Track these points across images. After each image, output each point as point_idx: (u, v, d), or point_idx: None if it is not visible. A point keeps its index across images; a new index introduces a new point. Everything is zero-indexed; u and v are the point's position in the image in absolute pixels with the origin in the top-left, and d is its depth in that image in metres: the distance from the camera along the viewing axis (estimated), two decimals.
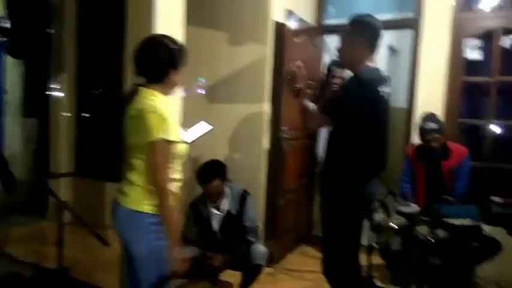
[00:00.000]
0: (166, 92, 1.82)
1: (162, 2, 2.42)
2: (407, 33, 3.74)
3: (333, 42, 4.61)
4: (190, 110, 3.73)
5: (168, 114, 1.71)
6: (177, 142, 1.76)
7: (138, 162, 1.76)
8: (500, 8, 3.32)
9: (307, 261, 3.65)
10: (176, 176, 1.86)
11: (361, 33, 2.08)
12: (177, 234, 1.76)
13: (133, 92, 1.79)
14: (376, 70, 2.11)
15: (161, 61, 1.76)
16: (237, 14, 3.46)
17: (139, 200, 1.76)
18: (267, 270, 3.33)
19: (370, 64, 2.10)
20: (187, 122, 3.62)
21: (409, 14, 3.63)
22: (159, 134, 1.66)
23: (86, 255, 3.26)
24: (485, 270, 3.08)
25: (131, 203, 1.78)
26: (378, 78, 2.05)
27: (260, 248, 2.81)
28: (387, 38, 5.73)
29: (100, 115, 4.10)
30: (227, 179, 2.84)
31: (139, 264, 1.78)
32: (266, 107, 3.42)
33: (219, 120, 3.62)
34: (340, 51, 2.19)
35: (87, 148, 4.29)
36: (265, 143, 3.45)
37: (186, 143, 2.09)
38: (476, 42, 3.42)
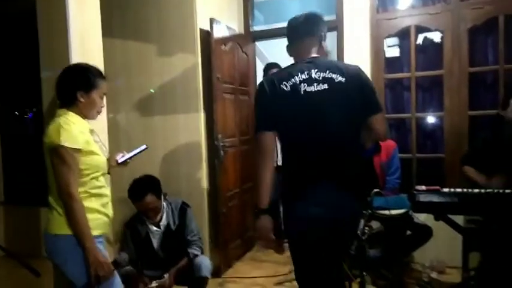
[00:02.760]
0: (83, 114, 1.84)
1: (76, 19, 2.32)
2: (334, 35, 3.87)
3: (265, 47, 4.74)
4: (124, 125, 3.66)
5: (74, 125, 1.74)
6: (89, 152, 1.76)
7: (53, 181, 1.75)
8: (413, 7, 3.54)
9: (256, 266, 3.67)
10: (101, 191, 1.85)
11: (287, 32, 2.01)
12: (90, 238, 1.73)
13: (54, 116, 1.83)
14: (291, 65, 1.94)
15: (68, 84, 1.83)
16: (165, 25, 3.42)
17: (58, 223, 1.75)
18: (215, 280, 3.31)
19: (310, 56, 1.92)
20: (123, 137, 3.57)
21: (332, 17, 3.77)
22: (60, 141, 1.68)
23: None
24: (421, 255, 3.27)
25: (52, 228, 1.78)
26: (278, 75, 1.89)
27: (204, 260, 2.77)
28: None
29: (25, 138, 3.89)
30: (162, 193, 2.77)
31: (78, 284, 1.79)
32: (202, 116, 3.41)
33: (155, 133, 3.56)
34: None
35: (16, 173, 4.05)
36: (204, 152, 3.43)
37: (117, 162, 2.07)
38: (394, 40, 3.61)
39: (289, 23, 2.01)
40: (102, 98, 1.89)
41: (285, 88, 1.81)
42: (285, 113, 1.81)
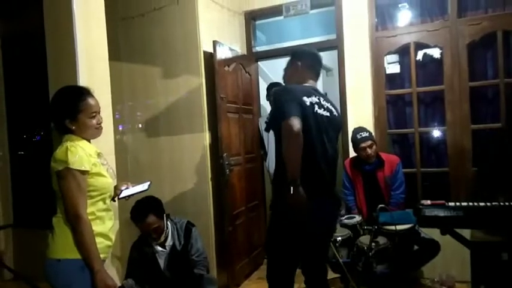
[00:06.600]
0: (82, 137, 1.81)
1: (83, 41, 2.39)
2: (335, 54, 3.93)
3: (268, 67, 4.82)
4: (130, 146, 3.72)
5: (80, 149, 1.72)
6: (96, 174, 1.75)
7: (59, 204, 1.75)
8: (411, 24, 3.61)
9: (264, 285, 3.62)
10: (107, 214, 1.83)
11: (296, 58, 2.34)
12: (99, 261, 1.70)
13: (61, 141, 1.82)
14: (302, 85, 2.25)
15: (55, 116, 1.82)
16: (169, 47, 3.50)
17: (62, 247, 1.71)
18: None
19: (305, 84, 2.27)
20: (130, 157, 3.62)
21: (332, 36, 3.84)
22: (68, 164, 1.66)
23: None
24: (430, 270, 3.24)
25: (54, 252, 1.73)
26: (300, 89, 2.17)
27: (210, 280, 2.78)
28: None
29: (34, 160, 3.93)
30: (165, 214, 2.79)
31: None
32: (207, 136, 3.45)
33: (161, 153, 3.60)
34: (284, 74, 2.44)
35: (25, 196, 4.09)
36: (210, 171, 3.46)
37: (118, 197, 2.03)
38: (394, 57, 3.67)
39: (317, 54, 2.37)
40: (94, 117, 1.81)
41: (306, 102, 2.09)
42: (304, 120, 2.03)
